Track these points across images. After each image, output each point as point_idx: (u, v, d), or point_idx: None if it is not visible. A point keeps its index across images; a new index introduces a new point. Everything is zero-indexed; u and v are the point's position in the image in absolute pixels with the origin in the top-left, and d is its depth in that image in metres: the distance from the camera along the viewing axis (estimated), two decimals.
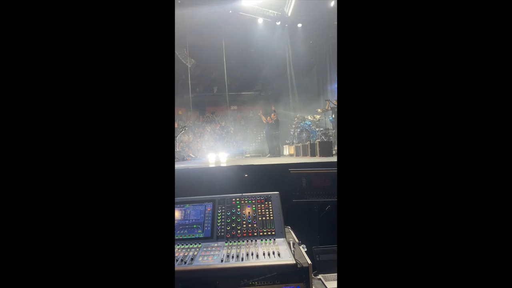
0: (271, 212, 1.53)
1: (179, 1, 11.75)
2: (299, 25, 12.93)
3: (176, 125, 14.91)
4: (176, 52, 14.48)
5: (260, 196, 1.60)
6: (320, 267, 1.76)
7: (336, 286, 1.59)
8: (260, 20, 12.92)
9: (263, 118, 8.53)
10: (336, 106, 7.45)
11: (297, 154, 7.03)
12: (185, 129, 9.65)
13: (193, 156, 9.63)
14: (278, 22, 12.86)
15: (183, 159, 8.14)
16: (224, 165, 2.65)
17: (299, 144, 7.17)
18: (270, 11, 12.61)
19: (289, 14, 12.39)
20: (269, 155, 8.31)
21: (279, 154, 8.17)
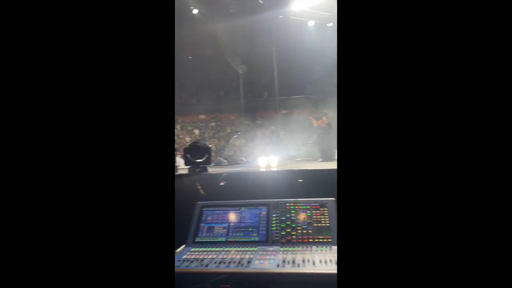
0: (327, 219, 1.49)
1: (231, 11, 12.21)
2: None
3: (229, 130, 15.44)
4: (228, 59, 15.01)
5: (315, 202, 1.57)
6: None
7: None
8: (311, 23, 12.79)
9: (314, 122, 8.35)
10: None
11: None
12: (238, 134, 9.96)
13: (245, 159, 9.85)
14: (329, 23, 12.59)
15: (236, 163, 8.38)
16: (277, 169, 2.66)
17: None
18: (321, 13, 12.40)
19: None
20: (321, 159, 8.10)
21: (331, 158, 7.92)
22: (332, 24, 12.51)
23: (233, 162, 8.33)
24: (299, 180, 1.83)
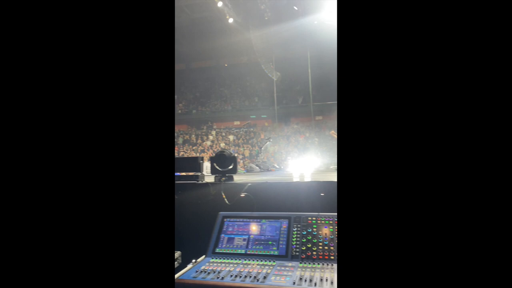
0: None
1: (266, 18, 12.34)
2: None
3: (262, 136, 15.50)
4: (262, 66, 15.15)
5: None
6: None
7: None
8: None
9: (334, 136, 7.99)
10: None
11: None
12: (270, 141, 9.94)
13: (278, 166, 9.80)
14: None
15: (268, 170, 8.36)
16: (301, 180, 2.61)
17: None
18: None
19: None
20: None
21: None
22: None
23: (265, 168, 8.32)
24: (321, 194, 1.77)
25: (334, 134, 7.76)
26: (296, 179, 2.94)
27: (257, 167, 8.22)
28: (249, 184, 1.99)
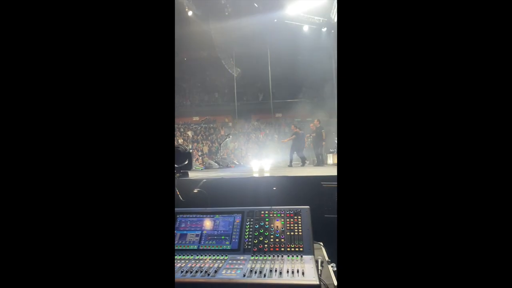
0: (300, 227, 1.49)
1: (226, 13, 12.23)
2: None
3: (222, 132, 15.41)
4: (222, 61, 15.04)
5: (290, 210, 1.56)
6: None
7: None
8: (306, 28, 12.88)
9: (294, 130, 8.23)
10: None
11: None
12: (229, 137, 9.93)
13: (237, 163, 9.83)
14: (324, 28, 12.69)
15: (227, 166, 8.35)
16: (270, 173, 2.65)
17: None
18: (316, 18, 12.51)
19: (335, 20, 12.14)
20: (308, 162, 8.08)
21: (322, 163, 7.90)
22: (326, 29, 12.60)
23: (224, 165, 8.30)
24: (274, 188, 1.82)
25: (294, 128, 8.00)
26: (255, 175, 2.98)
27: (216, 164, 8.17)
28: (204, 180, 1.97)
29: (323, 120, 9.09)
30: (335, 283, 1.14)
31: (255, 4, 12.15)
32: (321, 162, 7.85)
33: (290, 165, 7.50)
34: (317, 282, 1.12)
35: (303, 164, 7.66)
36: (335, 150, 8.45)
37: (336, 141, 8.50)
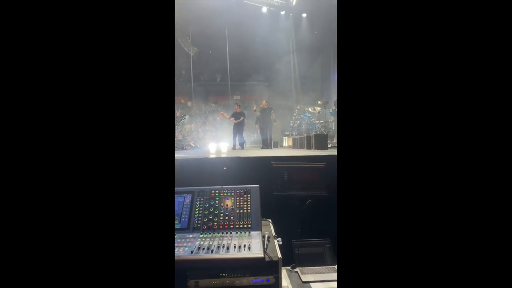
0: (249, 205, 1.54)
1: None
2: (304, 15, 12.73)
3: (178, 114, 14.92)
4: (179, 39, 14.38)
5: (240, 188, 1.61)
6: (299, 260, 1.78)
7: (312, 279, 1.61)
8: (264, 9, 12.74)
9: (255, 107, 8.06)
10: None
11: (295, 146, 7.02)
12: (185, 118, 9.67)
13: (193, 145, 9.65)
14: (282, 11, 12.68)
15: (183, 148, 8.16)
16: (211, 157, 2.66)
17: (297, 136, 7.13)
18: (275, 0, 12.42)
19: (294, 4, 12.19)
20: (261, 145, 7.84)
21: (270, 146, 7.49)
22: (285, 12, 12.62)
23: (180, 147, 8.10)
24: (224, 168, 1.85)
25: (238, 108, 7.72)
26: (212, 156, 2.97)
27: None
28: None
29: (280, 103, 9.19)
30: (279, 255, 1.22)
31: None
32: (269, 146, 7.44)
33: (234, 148, 7.20)
34: (262, 255, 1.18)
35: (242, 148, 7.37)
36: (290, 133, 8.66)
37: (291, 124, 8.71)
